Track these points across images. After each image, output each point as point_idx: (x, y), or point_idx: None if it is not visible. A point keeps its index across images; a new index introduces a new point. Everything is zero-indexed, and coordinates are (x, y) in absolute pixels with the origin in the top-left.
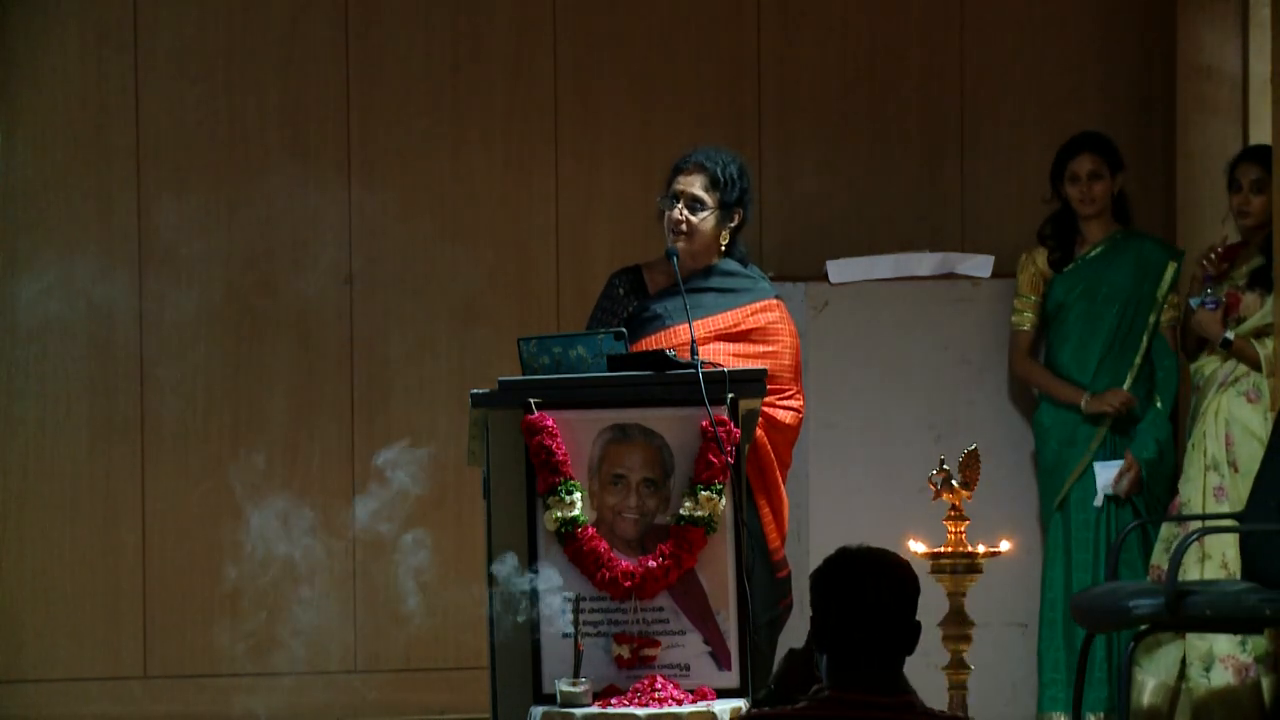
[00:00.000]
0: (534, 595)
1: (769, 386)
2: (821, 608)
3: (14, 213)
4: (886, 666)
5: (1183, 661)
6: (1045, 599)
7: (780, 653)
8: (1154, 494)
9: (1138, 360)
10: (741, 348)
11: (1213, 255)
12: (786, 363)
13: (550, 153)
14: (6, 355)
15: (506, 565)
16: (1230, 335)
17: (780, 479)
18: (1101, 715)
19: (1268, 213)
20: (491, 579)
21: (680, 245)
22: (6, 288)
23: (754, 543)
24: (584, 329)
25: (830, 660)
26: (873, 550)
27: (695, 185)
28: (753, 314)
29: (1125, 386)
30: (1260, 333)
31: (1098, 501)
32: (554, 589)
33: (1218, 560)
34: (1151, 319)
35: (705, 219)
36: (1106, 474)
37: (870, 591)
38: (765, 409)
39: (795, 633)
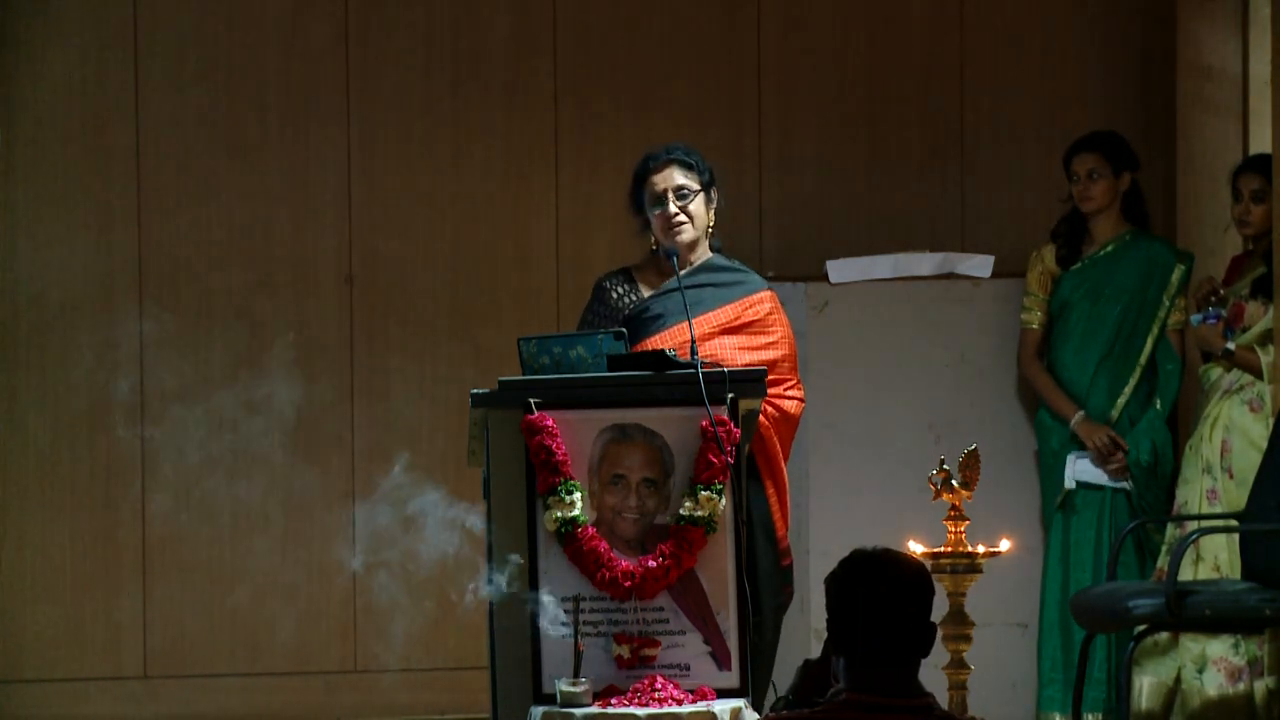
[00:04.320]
0: (534, 595)
1: (773, 377)
2: (837, 609)
3: (14, 212)
4: (903, 668)
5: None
6: (1045, 598)
7: (784, 648)
8: (1150, 496)
9: (1142, 361)
10: (742, 340)
11: (1209, 292)
12: (785, 352)
13: (550, 153)
14: (7, 355)
15: (506, 565)
16: (1231, 346)
17: (784, 469)
18: (1100, 716)
19: (1268, 222)
20: (491, 579)
21: (683, 239)
22: (6, 286)
23: (761, 530)
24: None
25: (847, 662)
26: (888, 551)
27: (676, 176)
28: (750, 306)
29: (1128, 389)
30: (1262, 340)
31: (1069, 484)
32: (554, 589)
33: (1210, 563)
34: (1156, 322)
35: (697, 203)
36: (1079, 465)
37: (886, 593)
38: (773, 400)
39: (796, 626)
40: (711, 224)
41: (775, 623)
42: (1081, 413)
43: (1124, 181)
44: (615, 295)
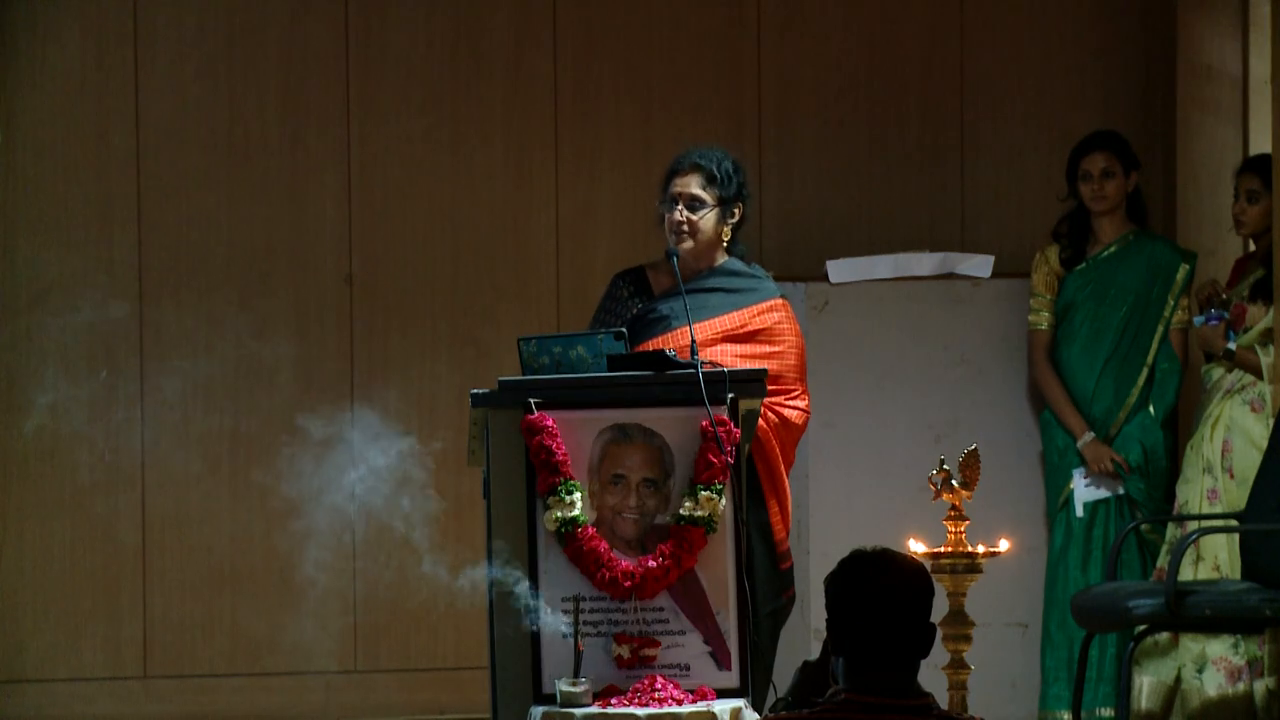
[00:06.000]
0: (534, 595)
1: (776, 387)
2: (836, 610)
3: (14, 212)
4: (903, 669)
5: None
6: (1054, 596)
7: (784, 648)
8: (1141, 497)
9: (1148, 361)
10: (748, 349)
11: (1210, 294)
12: (792, 363)
13: (550, 153)
14: (7, 355)
15: (506, 565)
16: (1232, 346)
17: (784, 473)
18: (1110, 710)
19: (1263, 223)
20: (491, 579)
21: (685, 246)
22: (6, 287)
23: (759, 534)
24: (586, 330)
25: (846, 663)
26: (886, 551)
27: (693, 185)
28: (759, 314)
29: (1134, 389)
30: (1263, 340)
31: (1079, 512)
32: (554, 589)
33: (1210, 562)
34: (1161, 322)
35: (706, 217)
36: (1081, 488)
37: (885, 593)
38: (774, 407)
39: (795, 626)
40: (727, 238)
41: (774, 625)
42: (1090, 434)
43: (1132, 181)
44: (625, 294)
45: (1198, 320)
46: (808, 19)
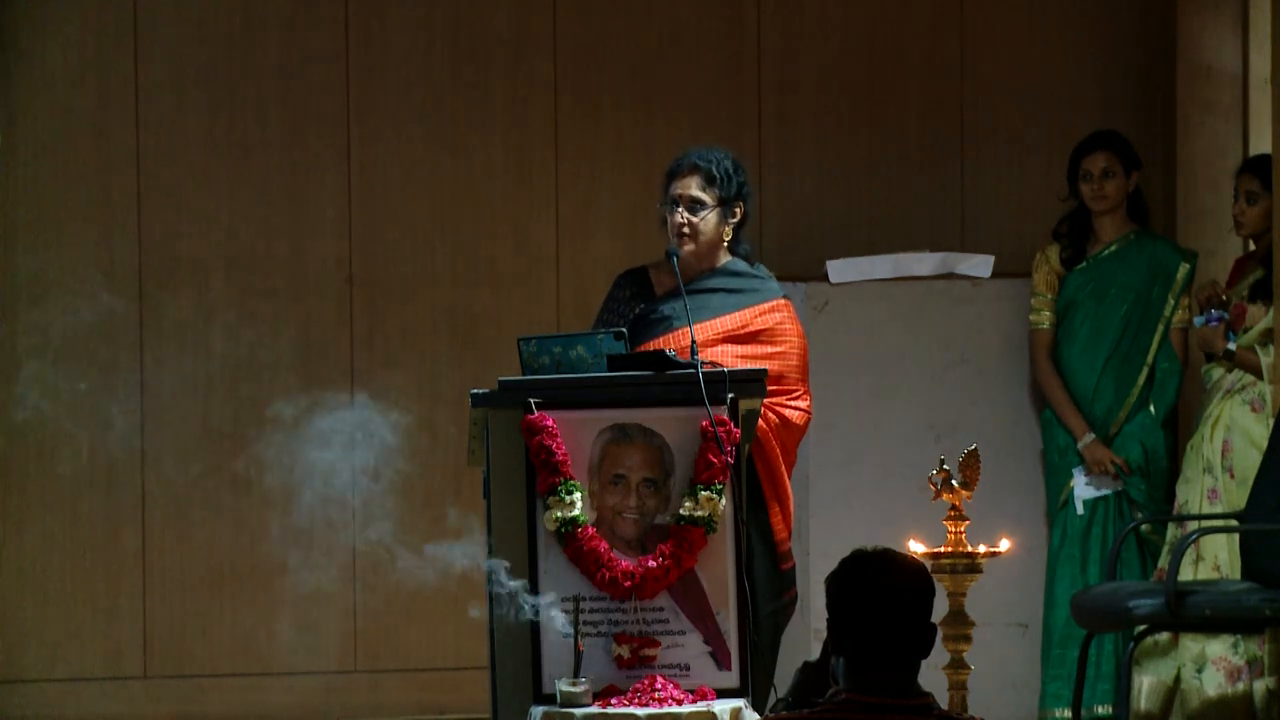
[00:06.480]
0: (534, 595)
1: (778, 387)
2: (837, 610)
3: (14, 212)
4: (903, 669)
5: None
6: (1049, 596)
7: (784, 649)
8: (1142, 498)
9: (1149, 360)
10: (749, 349)
11: (1213, 294)
12: (794, 363)
13: (550, 153)
14: (7, 355)
15: (506, 565)
16: (1232, 347)
17: (786, 473)
18: (1107, 708)
19: (1263, 224)
20: (491, 579)
21: (686, 248)
22: (6, 286)
23: (760, 534)
24: (589, 330)
25: (847, 663)
26: (887, 551)
27: (692, 186)
28: (760, 315)
29: (1134, 389)
30: (1263, 340)
31: (1079, 510)
32: (554, 589)
33: (1210, 562)
34: (1162, 321)
35: (707, 218)
36: (1081, 487)
37: (885, 593)
38: (774, 407)
39: (795, 626)
40: (729, 237)
41: (776, 625)
42: (1091, 435)
43: (1133, 180)
44: (627, 295)
45: (1198, 320)
46: (808, 19)
